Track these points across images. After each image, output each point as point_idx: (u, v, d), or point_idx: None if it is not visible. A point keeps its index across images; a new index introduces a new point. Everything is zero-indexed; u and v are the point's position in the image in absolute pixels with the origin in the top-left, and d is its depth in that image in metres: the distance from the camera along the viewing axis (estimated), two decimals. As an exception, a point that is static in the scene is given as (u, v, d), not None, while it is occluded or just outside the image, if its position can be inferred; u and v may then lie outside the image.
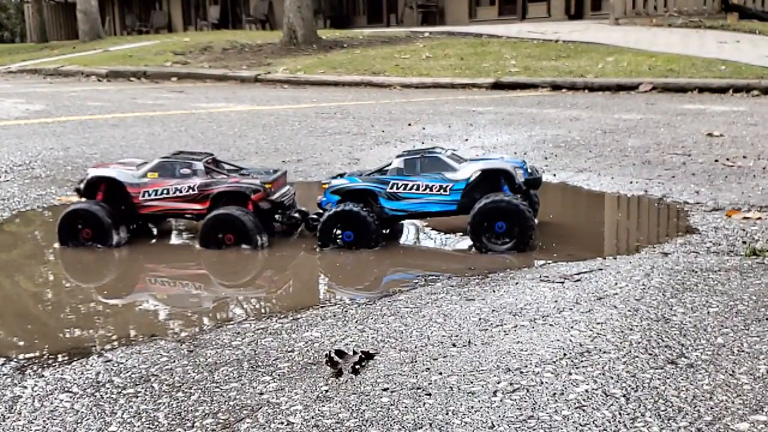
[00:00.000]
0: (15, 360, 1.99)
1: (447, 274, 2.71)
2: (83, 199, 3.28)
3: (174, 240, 3.38)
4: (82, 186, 3.30)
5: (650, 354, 1.91)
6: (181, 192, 3.19)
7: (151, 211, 3.24)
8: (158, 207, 3.22)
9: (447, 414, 1.62)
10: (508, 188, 3.08)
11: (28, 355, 2.04)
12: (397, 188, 3.12)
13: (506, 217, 2.98)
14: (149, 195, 3.20)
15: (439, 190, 3.09)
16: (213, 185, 3.17)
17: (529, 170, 3.21)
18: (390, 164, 3.20)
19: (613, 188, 4.17)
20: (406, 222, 3.39)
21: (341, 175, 3.26)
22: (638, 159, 5.03)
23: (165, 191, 3.21)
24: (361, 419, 1.61)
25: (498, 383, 1.76)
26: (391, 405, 1.67)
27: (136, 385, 1.81)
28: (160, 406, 1.70)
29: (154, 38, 23.98)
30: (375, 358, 1.93)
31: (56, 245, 3.16)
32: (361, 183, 3.15)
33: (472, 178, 3.08)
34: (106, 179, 3.25)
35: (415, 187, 3.11)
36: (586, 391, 1.71)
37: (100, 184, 3.26)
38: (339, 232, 3.07)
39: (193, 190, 3.18)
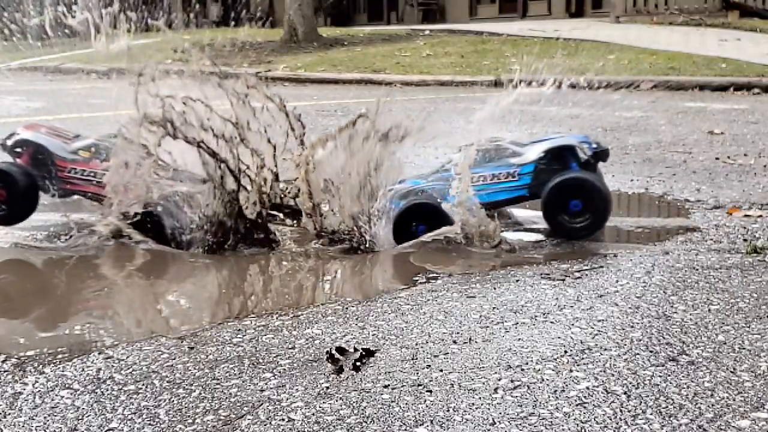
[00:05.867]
0: (15, 357, 1.99)
1: (447, 271, 2.71)
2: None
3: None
4: (9, 142, 3.20)
5: (651, 351, 1.90)
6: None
7: (74, 189, 3.20)
8: (82, 188, 3.18)
9: (448, 411, 1.62)
10: (576, 165, 3.00)
11: (28, 352, 2.03)
12: None
13: (580, 194, 2.91)
14: (76, 173, 3.15)
15: (507, 177, 3.01)
16: None
17: (593, 144, 3.12)
18: (450, 161, 3.13)
19: (614, 186, 4.16)
20: None
21: (401, 182, 3.16)
22: (639, 157, 5.03)
23: (92, 174, 3.15)
24: (362, 416, 1.61)
25: (499, 380, 1.76)
26: (392, 402, 1.67)
27: (137, 381, 1.81)
28: (161, 403, 1.70)
29: (154, 36, 23.95)
30: (376, 355, 1.93)
31: (57, 243, 3.16)
32: (426, 183, 3.09)
33: (539, 160, 2.98)
34: (36, 145, 3.17)
35: (481, 178, 3.03)
36: (587, 388, 1.71)
37: (29, 146, 3.17)
38: (413, 225, 2.99)
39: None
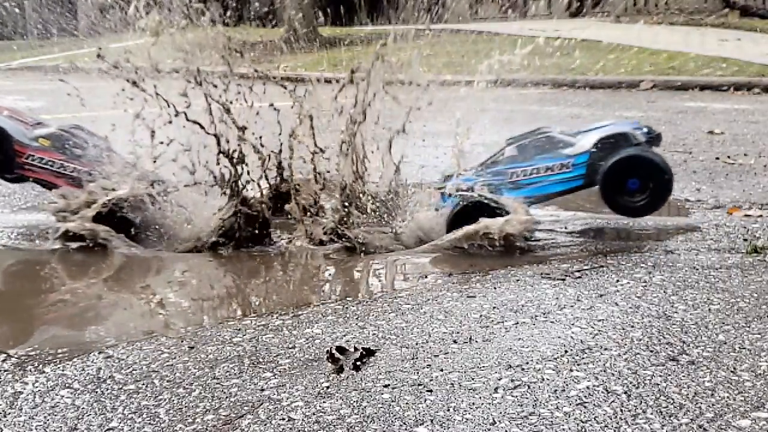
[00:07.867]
0: (15, 356, 1.99)
1: (448, 271, 2.71)
2: None
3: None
4: None
5: (651, 351, 1.90)
6: (65, 170, 3.17)
7: (29, 176, 3.22)
8: (38, 175, 3.20)
9: (448, 410, 1.62)
10: None
11: (28, 352, 2.03)
12: (517, 176, 2.99)
13: (638, 172, 2.88)
14: (34, 160, 3.17)
15: (561, 169, 2.98)
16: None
17: (645, 128, 3.07)
18: (501, 154, 3.09)
19: (614, 186, 4.15)
20: None
21: (448, 177, 3.13)
22: (639, 156, 5.02)
23: (50, 163, 3.17)
24: (362, 415, 1.61)
25: (499, 380, 1.76)
26: (392, 401, 1.67)
27: (137, 381, 1.81)
28: (161, 402, 1.70)
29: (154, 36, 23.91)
30: (376, 354, 1.93)
31: (58, 245, 3.15)
32: (478, 179, 3.04)
33: (593, 149, 2.94)
34: None
35: (535, 171, 2.99)
36: (588, 387, 1.71)
37: None
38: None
39: (77, 174, 3.13)
